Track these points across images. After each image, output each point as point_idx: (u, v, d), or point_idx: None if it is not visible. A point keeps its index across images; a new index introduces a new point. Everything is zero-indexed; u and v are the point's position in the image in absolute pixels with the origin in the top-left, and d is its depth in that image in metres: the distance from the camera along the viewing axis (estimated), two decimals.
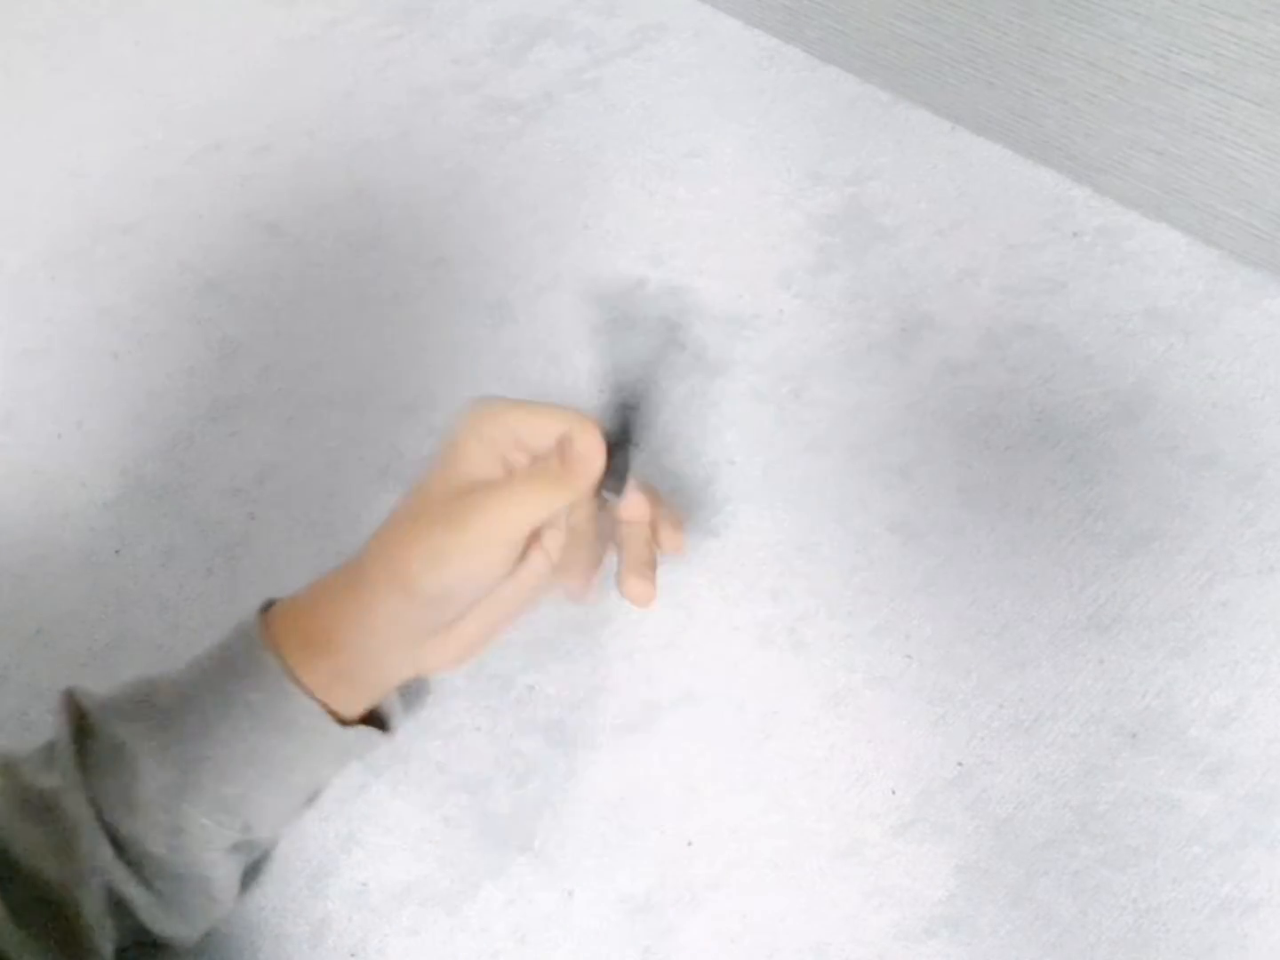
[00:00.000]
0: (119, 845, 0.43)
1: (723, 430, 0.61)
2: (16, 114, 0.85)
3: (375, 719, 0.48)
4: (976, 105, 0.71)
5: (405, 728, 0.48)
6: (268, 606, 0.46)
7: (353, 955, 0.49)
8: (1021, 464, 0.58)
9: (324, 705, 0.44)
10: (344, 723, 0.45)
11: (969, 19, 0.67)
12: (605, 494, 0.45)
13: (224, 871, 0.46)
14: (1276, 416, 0.58)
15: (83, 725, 0.44)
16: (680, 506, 0.58)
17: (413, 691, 0.49)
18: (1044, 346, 0.62)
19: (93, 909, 0.43)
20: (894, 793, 0.50)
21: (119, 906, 0.44)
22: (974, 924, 0.46)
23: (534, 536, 0.44)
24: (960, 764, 0.50)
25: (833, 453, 0.60)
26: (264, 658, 0.44)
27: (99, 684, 0.46)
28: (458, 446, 0.44)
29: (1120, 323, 0.62)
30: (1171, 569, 0.54)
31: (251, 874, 0.49)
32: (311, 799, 0.48)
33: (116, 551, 0.61)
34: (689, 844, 0.50)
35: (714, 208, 0.71)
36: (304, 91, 0.82)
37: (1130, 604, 0.53)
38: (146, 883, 0.44)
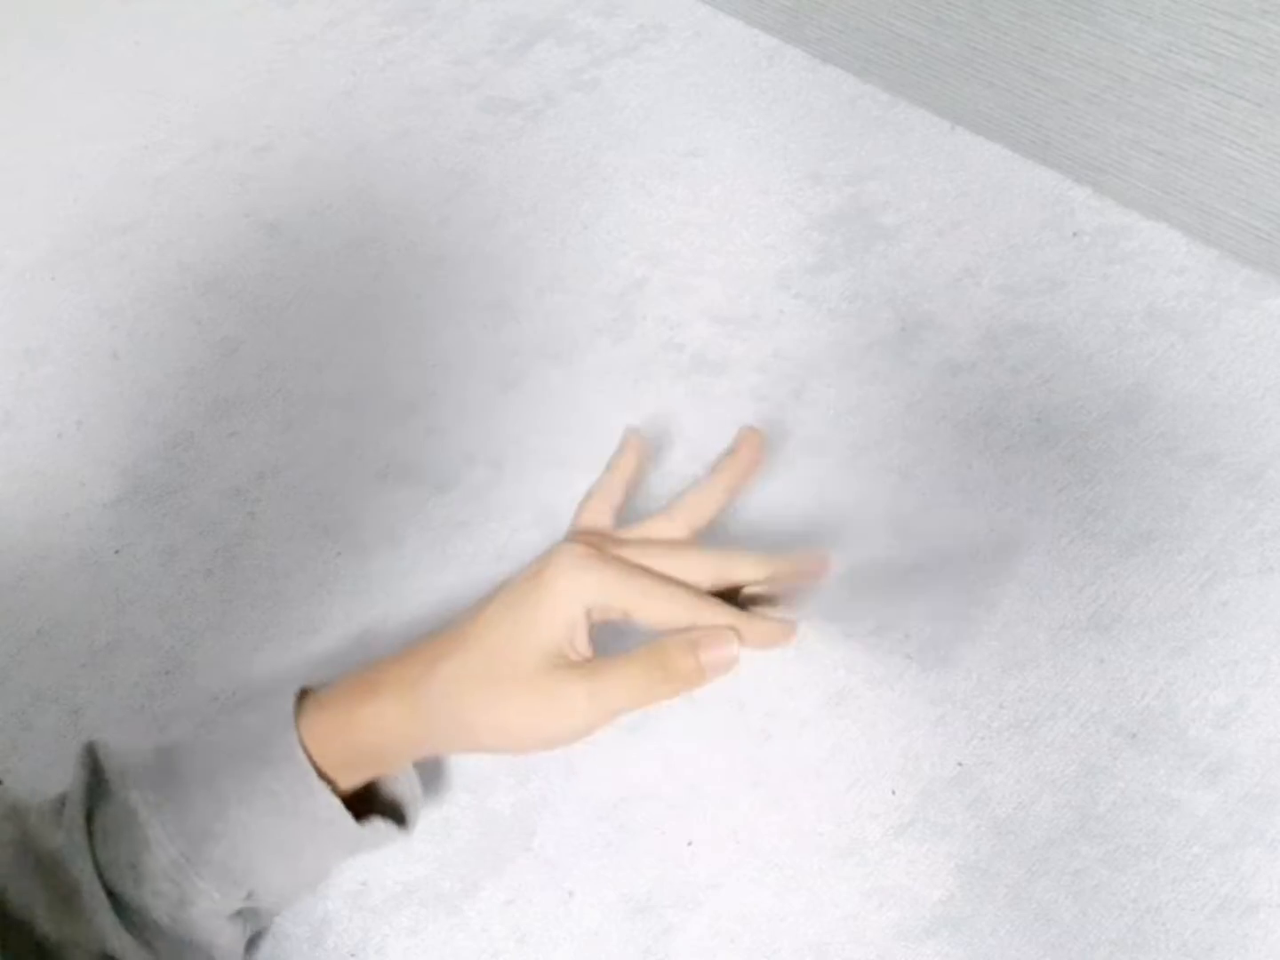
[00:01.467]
0: (122, 912, 0.43)
1: (723, 430, 0.61)
2: (16, 114, 0.85)
3: (393, 810, 0.48)
4: (976, 105, 0.71)
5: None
6: (303, 693, 0.46)
7: (353, 955, 0.49)
8: (1021, 464, 0.58)
9: (337, 788, 0.44)
10: (359, 816, 0.45)
11: (969, 19, 0.67)
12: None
13: (227, 939, 0.45)
14: (1276, 416, 0.58)
15: (98, 786, 0.44)
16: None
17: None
18: (1044, 346, 0.62)
19: None
20: (894, 793, 0.50)
21: None
22: (974, 924, 0.46)
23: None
24: (960, 764, 0.50)
25: (833, 453, 0.60)
26: (294, 752, 0.44)
27: (115, 736, 0.46)
28: (547, 600, 0.44)
29: (1120, 323, 0.62)
30: (1171, 569, 0.54)
31: (252, 943, 0.49)
32: (319, 879, 0.48)
33: (116, 551, 0.61)
34: (689, 844, 0.50)
35: (714, 208, 0.71)
36: (304, 91, 0.82)
37: (1130, 604, 0.53)
38: (147, 946, 0.43)
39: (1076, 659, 0.52)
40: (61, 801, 0.45)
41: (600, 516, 0.50)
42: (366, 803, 0.47)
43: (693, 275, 0.68)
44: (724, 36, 0.80)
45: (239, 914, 0.46)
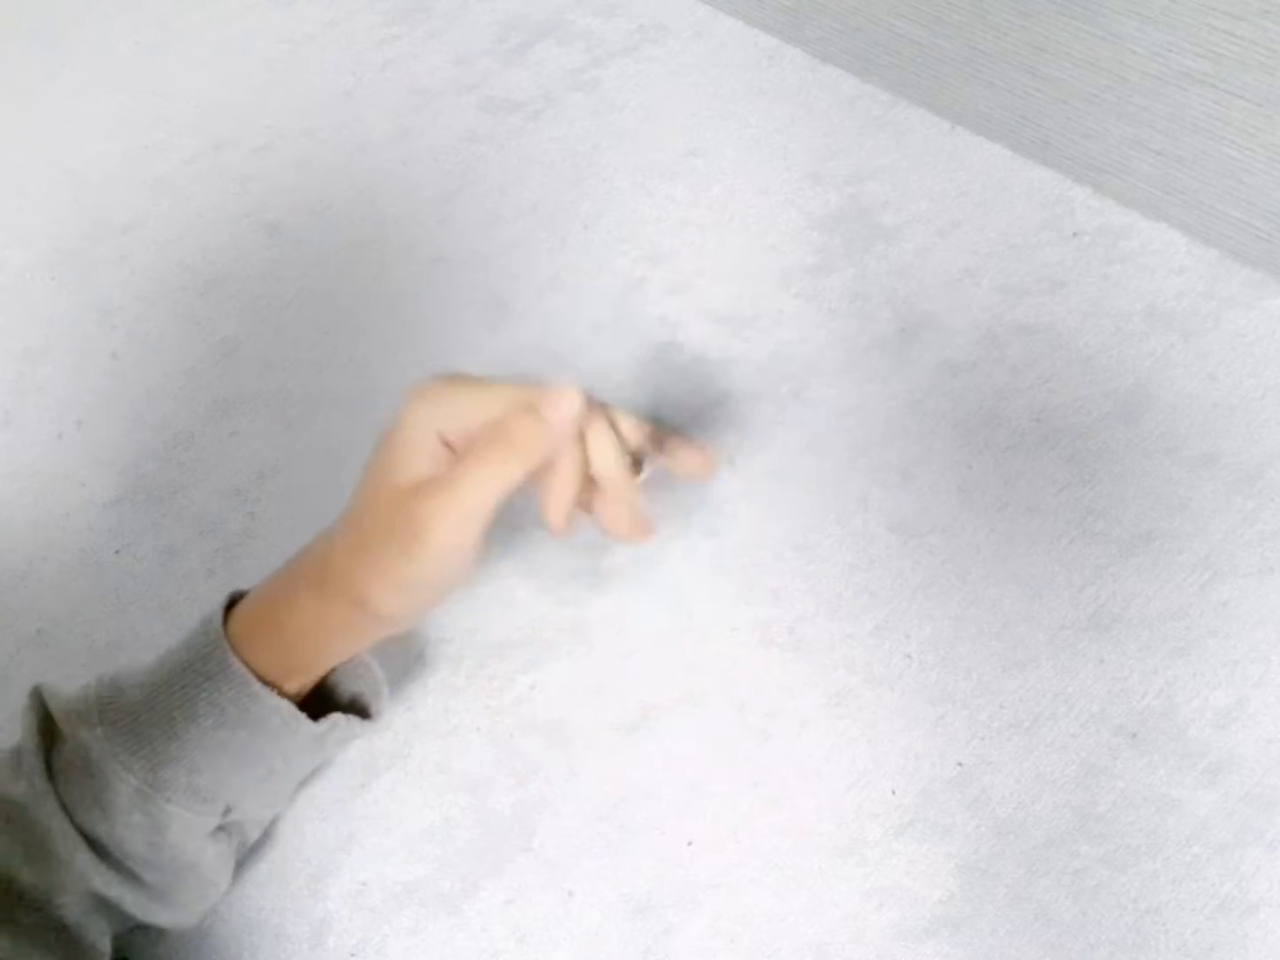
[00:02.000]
0: (98, 849, 0.43)
1: (723, 430, 0.61)
2: (16, 114, 0.85)
3: (357, 705, 0.48)
4: (976, 105, 0.71)
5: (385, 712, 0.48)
6: (232, 602, 0.46)
7: (353, 955, 0.49)
8: (1021, 464, 0.58)
9: (289, 692, 0.44)
10: (318, 716, 0.45)
11: (969, 19, 0.67)
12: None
13: (212, 855, 0.45)
14: (1276, 416, 0.58)
15: (49, 730, 0.44)
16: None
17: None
18: (1044, 346, 0.62)
19: (75, 910, 0.42)
20: (894, 793, 0.50)
21: (105, 907, 0.43)
22: (974, 924, 0.46)
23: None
24: (960, 764, 0.50)
25: (833, 453, 0.60)
26: (229, 660, 0.43)
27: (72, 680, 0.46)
28: (396, 436, 0.42)
29: (1120, 323, 0.62)
30: (1171, 569, 0.54)
31: (247, 852, 0.48)
32: (301, 780, 0.47)
33: (116, 551, 0.61)
34: (689, 844, 0.50)
35: (714, 208, 0.71)
36: (304, 91, 0.82)
37: (1130, 604, 0.53)
38: (134, 879, 0.43)
39: (1076, 659, 0.52)
40: (16, 754, 0.44)
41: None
42: (326, 702, 0.46)
43: (693, 275, 0.68)
44: (724, 36, 0.80)
45: (221, 829, 0.46)
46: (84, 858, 0.42)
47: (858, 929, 0.47)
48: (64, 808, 0.43)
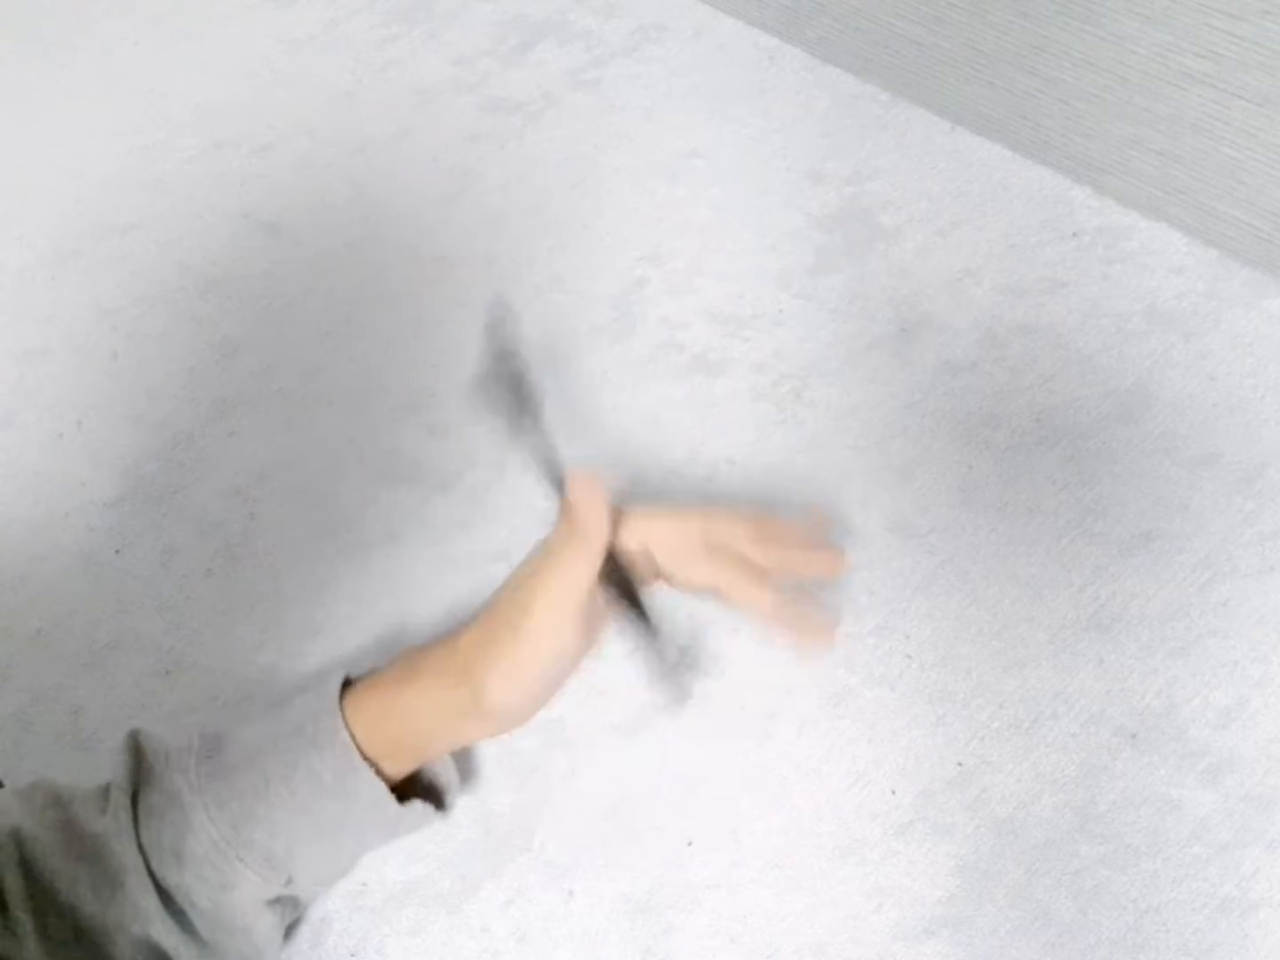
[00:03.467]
0: (164, 896, 0.43)
1: (723, 430, 0.61)
2: (16, 114, 0.85)
3: (432, 792, 0.48)
4: (976, 105, 0.71)
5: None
6: (347, 681, 0.47)
7: (353, 955, 0.49)
8: (1021, 464, 0.58)
9: (384, 778, 0.45)
10: (400, 798, 0.46)
11: (969, 19, 0.67)
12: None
13: (266, 924, 0.46)
14: (1276, 416, 0.58)
15: (141, 771, 0.45)
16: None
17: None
18: (1044, 346, 0.62)
19: (128, 952, 0.43)
20: (894, 793, 0.50)
21: (158, 954, 0.44)
22: (974, 924, 0.46)
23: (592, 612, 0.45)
24: (960, 764, 0.50)
25: (833, 453, 0.60)
26: (339, 730, 0.44)
27: (154, 719, 0.48)
28: (559, 568, 0.44)
29: (1120, 323, 0.62)
30: (1171, 569, 0.54)
31: (289, 931, 0.49)
32: (354, 863, 0.48)
33: (116, 551, 0.61)
34: (689, 844, 0.50)
35: (714, 208, 0.71)
36: (304, 91, 0.82)
37: (1130, 604, 0.53)
38: (192, 933, 0.44)
39: (1076, 659, 0.52)
40: (105, 790, 0.45)
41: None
42: (403, 790, 0.47)
43: (693, 275, 0.68)
44: (724, 36, 0.80)
45: (277, 900, 0.46)
46: (150, 901, 0.43)
47: (858, 929, 0.47)
48: (141, 850, 0.43)
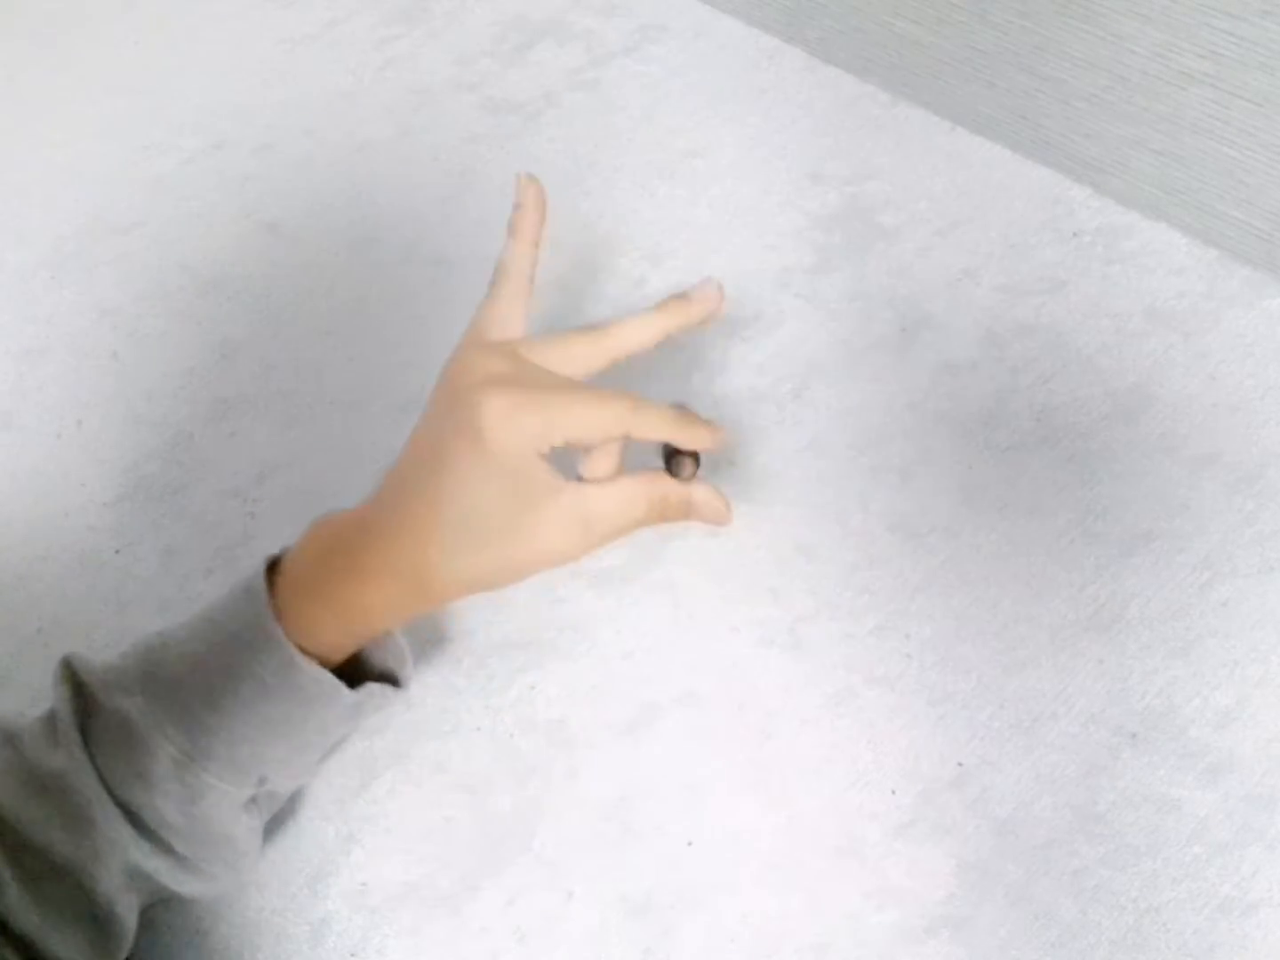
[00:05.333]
0: (134, 820, 0.43)
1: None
2: (16, 114, 0.85)
3: (386, 675, 0.48)
4: (976, 105, 0.71)
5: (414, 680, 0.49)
6: (273, 564, 0.46)
7: (353, 955, 0.49)
8: (1021, 464, 0.58)
9: (330, 663, 0.44)
10: (353, 684, 0.45)
11: (969, 19, 0.67)
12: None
13: (245, 827, 0.45)
14: (1277, 416, 0.58)
15: (85, 698, 0.44)
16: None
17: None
18: (1044, 346, 0.62)
19: (111, 883, 0.43)
20: (894, 793, 0.50)
21: (138, 879, 0.44)
22: (974, 924, 0.46)
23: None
24: (960, 764, 0.50)
25: (833, 453, 0.60)
26: (272, 631, 0.43)
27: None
28: (489, 439, 0.43)
29: (1120, 323, 0.62)
30: (1171, 569, 0.54)
31: (273, 822, 0.49)
32: (329, 751, 0.48)
33: (116, 551, 0.61)
34: (689, 844, 0.50)
35: (714, 208, 0.71)
36: (304, 91, 0.82)
37: (1130, 604, 0.53)
38: (168, 850, 0.43)
39: (1076, 659, 0.52)
40: (51, 721, 0.44)
41: (512, 324, 0.49)
42: (354, 669, 0.47)
43: (693, 275, 0.68)
44: (724, 36, 0.80)
45: (253, 800, 0.46)
46: (121, 828, 0.42)
47: (858, 929, 0.47)
48: (101, 778, 0.43)
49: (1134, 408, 0.59)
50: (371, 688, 0.46)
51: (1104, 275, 0.64)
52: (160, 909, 0.49)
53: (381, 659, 0.49)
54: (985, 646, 0.53)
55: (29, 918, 0.41)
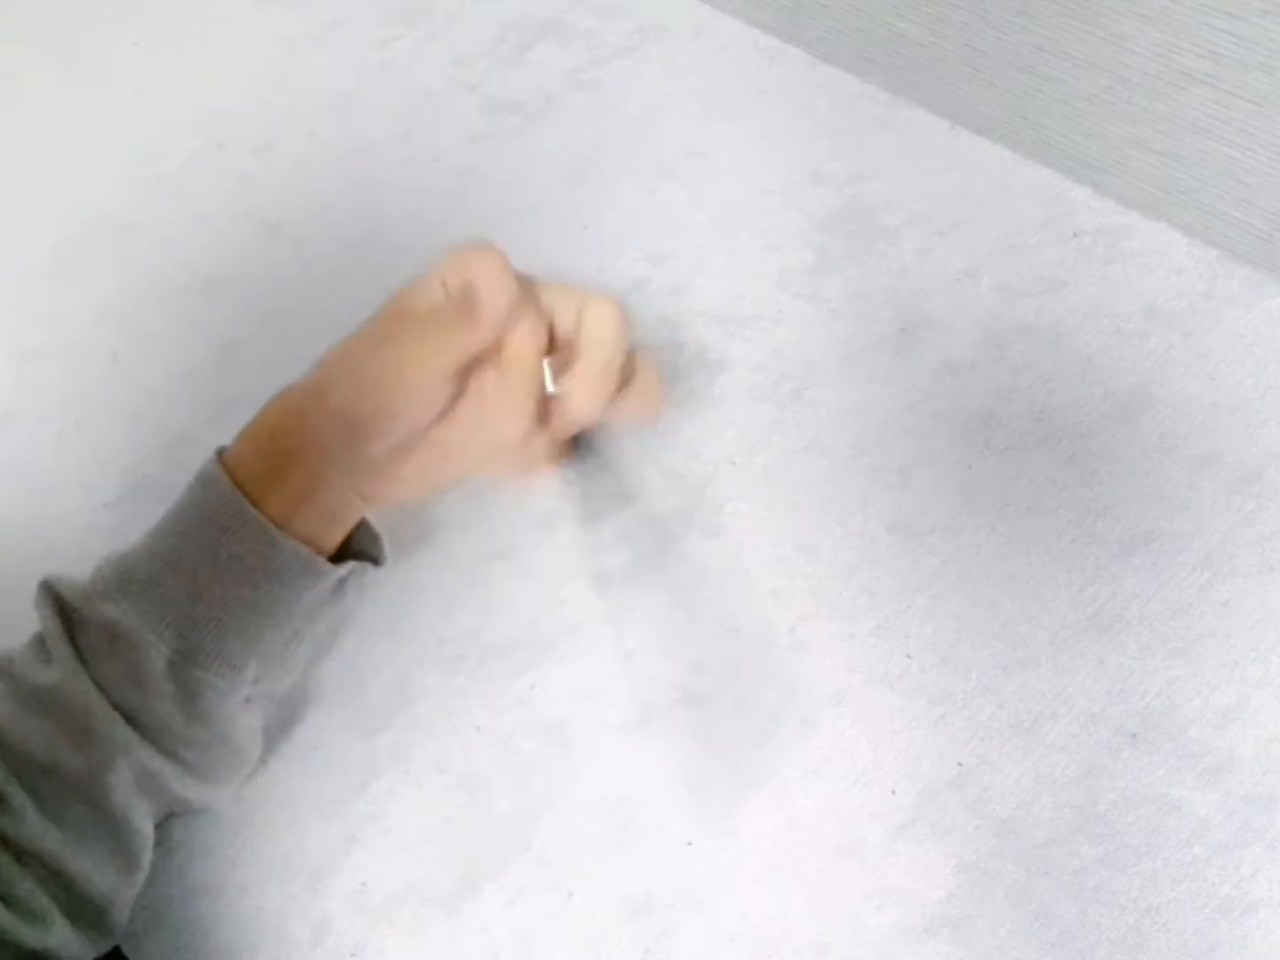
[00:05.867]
0: (135, 723, 0.43)
1: (723, 430, 0.61)
2: (17, 114, 0.85)
3: (363, 557, 0.48)
4: (976, 105, 0.71)
5: (392, 568, 0.50)
6: (219, 455, 0.46)
7: (353, 955, 0.49)
8: (1021, 464, 0.58)
9: (307, 545, 0.44)
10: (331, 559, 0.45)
11: (969, 19, 0.67)
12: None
13: (244, 724, 0.46)
14: (1276, 416, 0.58)
15: (69, 614, 0.44)
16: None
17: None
18: (1044, 346, 0.62)
19: (123, 791, 0.43)
20: (894, 793, 0.50)
21: (148, 782, 0.44)
22: (974, 924, 0.46)
23: (469, 377, 0.43)
24: (960, 764, 0.50)
25: (833, 453, 0.60)
26: (243, 509, 0.43)
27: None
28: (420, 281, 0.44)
29: (1120, 323, 0.62)
30: (1171, 569, 0.54)
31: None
32: (319, 642, 0.48)
33: None
34: (689, 844, 0.50)
35: (714, 208, 0.71)
36: (304, 91, 0.82)
37: (1130, 604, 0.53)
38: (170, 754, 0.44)
39: (1076, 659, 0.52)
40: (40, 642, 0.44)
41: None
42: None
43: (693, 275, 0.68)
44: (724, 36, 0.80)
45: (249, 700, 0.46)
46: (123, 731, 0.42)
47: (858, 929, 0.47)
48: (98, 686, 0.43)
49: (1134, 408, 0.59)
50: (351, 564, 0.46)
51: (1104, 275, 0.64)
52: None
53: (355, 544, 0.49)
54: (985, 646, 0.53)
55: (50, 837, 0.41)
